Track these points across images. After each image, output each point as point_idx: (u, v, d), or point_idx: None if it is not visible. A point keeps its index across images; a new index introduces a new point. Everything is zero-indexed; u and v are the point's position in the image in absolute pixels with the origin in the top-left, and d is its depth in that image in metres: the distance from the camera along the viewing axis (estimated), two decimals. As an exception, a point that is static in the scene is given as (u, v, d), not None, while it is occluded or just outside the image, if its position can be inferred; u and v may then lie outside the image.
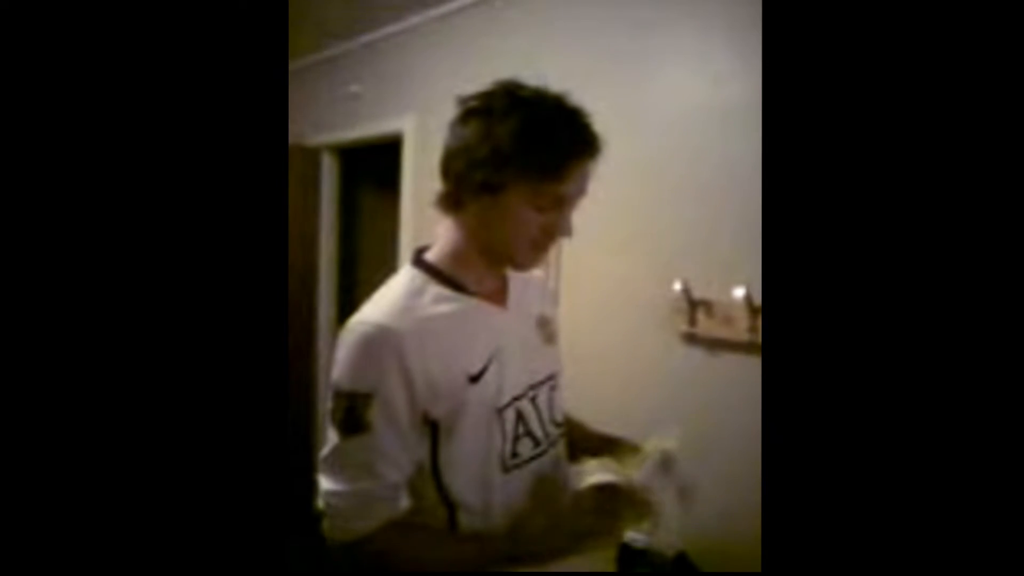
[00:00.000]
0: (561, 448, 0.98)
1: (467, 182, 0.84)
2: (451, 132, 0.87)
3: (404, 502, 0.82)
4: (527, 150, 0.80)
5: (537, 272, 1.03)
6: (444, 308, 0.86)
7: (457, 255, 0.90)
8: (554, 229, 0.87)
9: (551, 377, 0.98)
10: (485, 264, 0.91)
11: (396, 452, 0.80)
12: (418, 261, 0.92)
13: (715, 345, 1.82)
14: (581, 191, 0.88)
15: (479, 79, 0.90)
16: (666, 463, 0.90)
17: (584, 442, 1.06)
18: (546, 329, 1.02)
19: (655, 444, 0.92)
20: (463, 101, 0.87)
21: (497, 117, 0.82)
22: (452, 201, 0.88)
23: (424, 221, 2.68)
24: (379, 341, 0.79)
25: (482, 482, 0.85)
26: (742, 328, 1.73)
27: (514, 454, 0.88)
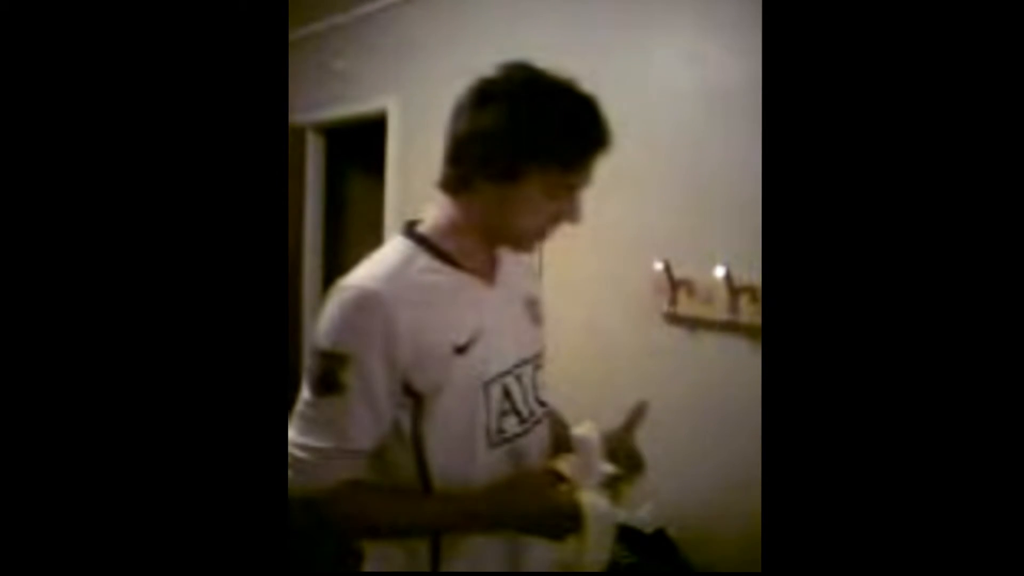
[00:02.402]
0: (545, 427, 1.00)
1: (483, 166, 0.84)
2: (466, 114, 0.86)
3: (363, 466, 0.83)
4: (550, 140, 0.82)
5: (523, 256, 1.05)
6: (432, 278, 0.86)
7: (452, 231, 0.90)
8: (564, 216, 0.89)
9: (536, 356, 0.99)
10: (482, 243, 0.92)
11: (366, 418, 0.81)
12: (410, 232, 0.92)
13: (696, 325, 1.85)
14: (590, 180, 0.90)
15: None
16: (588, 450, 0.93)
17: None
18: (533, 310, 1.03)
19: (576, 435, 0.96)
20: (479, 83, 0.86)
21: (521, 104, 0.83)
22: (460, 183, 0.88)
23: (409, 199, 2.68)
24: (365, 304, 0.79)
25: (466, 457, 0.86)
26: (722, 307, 1.76)
27: (500, 430, 0.89)
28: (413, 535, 0.87)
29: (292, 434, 0.82)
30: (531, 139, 0.81)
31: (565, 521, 0.86)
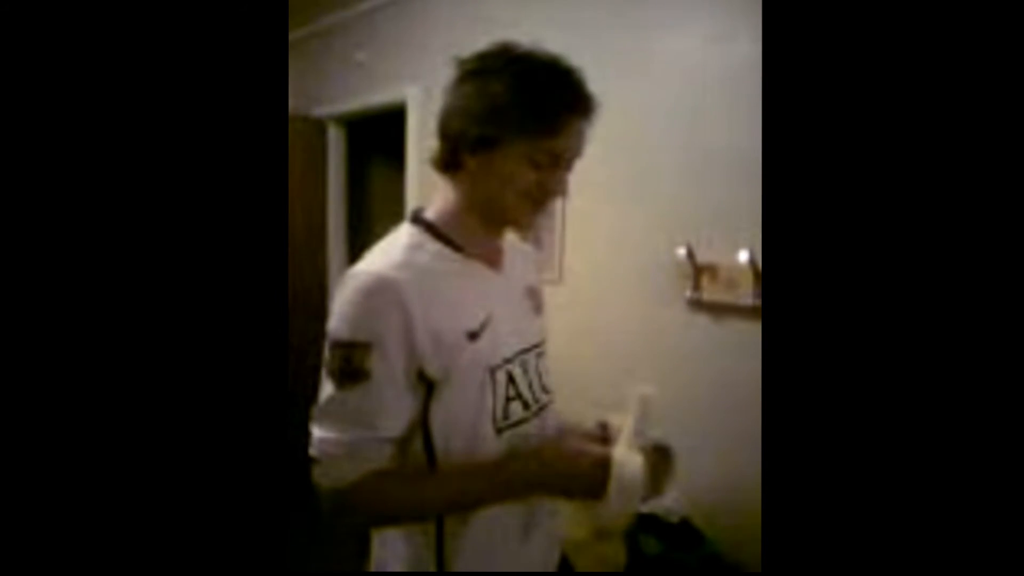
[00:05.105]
0: (549, 415, 0.99)
1: (464, 139, 0.85)
2: (449, 93, 0.88)
3: (390, 455, 0.84)
4: (523, 105, 0.81)
5: (525, 245, 1.05)
6: (443, 265, 0.87)
7: (454, 215, 0.91)
8: (550, 187, 0.87)
9: (538, 344, 1.00)
10: (481, 225, 0.92)
11: (393, 404, 0.81)
12: (416, 219, 0.92)
13: (720, 310, 1.82)
14: (577, 151, 0.88)
15: (481, 45, 0.90)
16: (646, 409, 0.91)
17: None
18: (534, 299, 1.03)
19: (635, 393, 0.93)
20: (460, 63, 0.88)
21: (493, 75, 0.83)
22: (449, 161, 0.89)
23: (429, 188, 2.68)
24: (380, 291, 0.79)
25: (473, 442, 0.86)
26: (747, 292, 1.72)
27: (505, 416, 0.89)
28: (446, 514, 0.87)
29: (316, 431, 0.82)
30: (503, 106, 0.82)
31: (599, 475, 0.83)
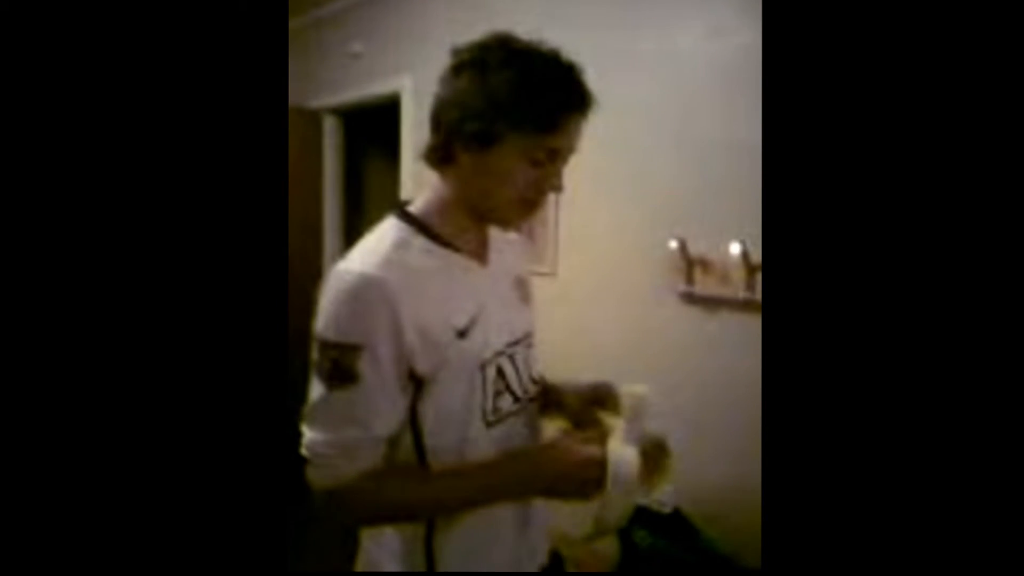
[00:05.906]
0: (536, 404, 1.00)
1: (459, 134, 0.83)
2: (444, 84, 0.86)
3: (385, 452, 0.84)
4: (523, 102, 0.80)
5: (514, 234, 1.04)
6: (430, 262, 0.86)
7: (442, 210, 0.90)
8: (545, 184, 0.86)
9: (527, 336, 1.00)
10: (471, 220, 0.91)
11: (383, 404, 0.81)
12: (402, 213, 0.91)
13: (712, 304, 1.83)
14: (574, 147, 0.87)
15: (476, 35, 0.89)
16: (638, 408, 0.91)
17: (557, 395, 1.07)
18: (522, 289, 1.03)
19: (626, 391, 0.93)
20: (456, 53, 0.86)
21: (492, 69, 0.81)
22: (442, 154, 0.87)
23: (424, 179, 2.67)
24: (368, 291, 0.78)
25: (462, 437, 0.86)
26: (739, 286, 1.74)
27: (495, 409, 0.90)
28: (441, 514, 0.88)
29: (308, 431, 0.82)
30: (503, 102, 0.80)
31: (592, 473, 0.82)
